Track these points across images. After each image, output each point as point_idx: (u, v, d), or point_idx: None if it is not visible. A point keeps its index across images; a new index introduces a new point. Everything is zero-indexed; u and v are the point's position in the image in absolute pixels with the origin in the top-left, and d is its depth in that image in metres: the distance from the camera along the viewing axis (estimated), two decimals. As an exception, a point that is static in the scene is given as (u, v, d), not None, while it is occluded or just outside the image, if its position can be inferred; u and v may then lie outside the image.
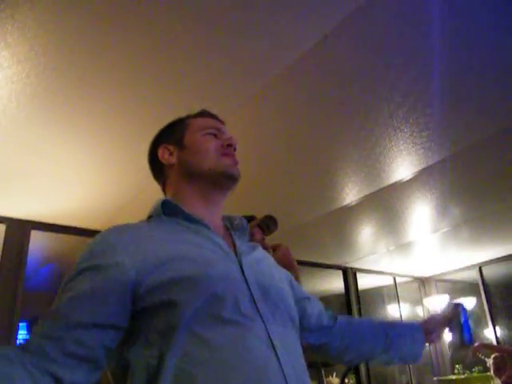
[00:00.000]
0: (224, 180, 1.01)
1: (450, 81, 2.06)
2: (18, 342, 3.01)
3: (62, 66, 1.78)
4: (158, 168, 1.08)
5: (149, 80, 1.94)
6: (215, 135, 1.04)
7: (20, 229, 3.22)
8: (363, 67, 1.94)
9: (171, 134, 1.08)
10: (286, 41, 1.74)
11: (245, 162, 2.88)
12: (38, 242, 3.48)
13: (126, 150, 2.46)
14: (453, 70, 1.99)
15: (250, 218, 1.49)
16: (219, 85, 1.99)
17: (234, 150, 1.05)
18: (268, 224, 1.97)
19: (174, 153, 1.04)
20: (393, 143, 2.54)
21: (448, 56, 1.90)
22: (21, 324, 3.14)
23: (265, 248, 1.70)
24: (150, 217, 1.00)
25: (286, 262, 1.58)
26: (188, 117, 1.11)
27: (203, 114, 1.11)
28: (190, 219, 0.95)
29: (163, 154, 1.05)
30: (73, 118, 2.13)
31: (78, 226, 3.52)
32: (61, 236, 3.58)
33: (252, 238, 1.82)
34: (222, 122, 1.11)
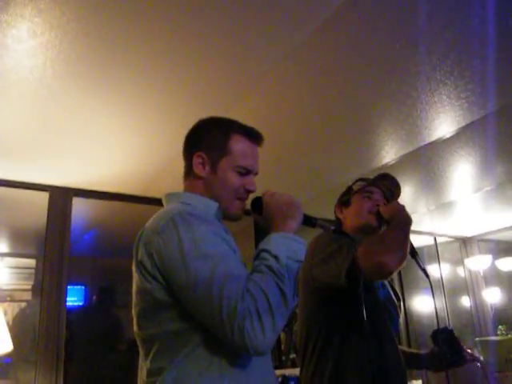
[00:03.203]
0: (227, 218, 1.26)
1: (498, 29, 1.92)
2: (66, 304, 3.14)
3: (94, 31, 1.76)
4: (189, 164, 1.26)
5: (190, 50, 1.90)
6: (243, 174, 1.23)
7: (62, 196, 3.31)
8: (404, 18, 1.82)
9: (211, 146, 1.23)
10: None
11: (283, 121, 2.77)
12: (80, 208, 3.57)
13: (165, 116, 2.45)
14: (502, 17, 1.85)
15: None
16: (256, 44, 1.93)
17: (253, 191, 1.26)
18: (391, 189, 1.90)
19: (207, 167, 1.22)
20: (436, 98, 2.42)
21: (496, 2, 1.76)
22: (69, 287, 3.26)
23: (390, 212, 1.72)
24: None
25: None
26: (233, 130, 1.25)
27: (250, 135, 1.26)
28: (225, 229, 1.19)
29: (197, 163, 1.23)
30: (110, 84, 2.12)
31: (117, 192, 3.60)
32: (101, 202, 3.67)
33: (370, 196, 1.83)
34: (260, 145, 1.29)
